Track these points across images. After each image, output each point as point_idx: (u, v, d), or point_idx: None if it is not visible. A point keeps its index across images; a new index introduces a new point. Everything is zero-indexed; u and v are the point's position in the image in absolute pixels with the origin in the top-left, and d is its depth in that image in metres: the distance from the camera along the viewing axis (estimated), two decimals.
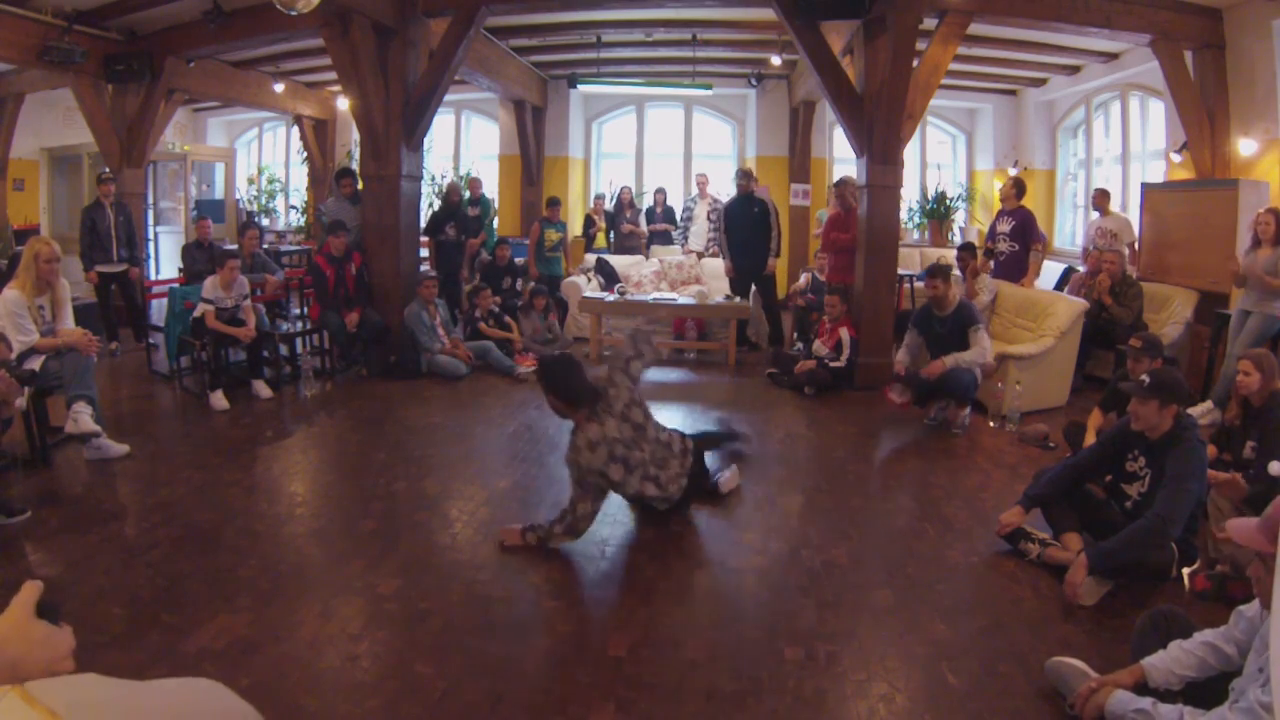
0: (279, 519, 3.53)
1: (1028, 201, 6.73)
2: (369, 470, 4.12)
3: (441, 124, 11.03)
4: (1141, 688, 2.03)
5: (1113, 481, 3.19)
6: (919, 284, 7.62)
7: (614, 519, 3.45)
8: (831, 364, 5.84)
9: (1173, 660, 2.02)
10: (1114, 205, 7.24)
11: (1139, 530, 2.80)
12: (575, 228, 10.00)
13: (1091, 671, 2.21)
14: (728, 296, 7.17)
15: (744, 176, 7.27)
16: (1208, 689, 1.94)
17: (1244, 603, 2.01)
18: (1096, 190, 7.14)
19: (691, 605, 2.83)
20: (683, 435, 3.58)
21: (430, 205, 9.17)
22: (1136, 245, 6.75)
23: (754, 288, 7.31)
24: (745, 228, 7.11)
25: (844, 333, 5.89)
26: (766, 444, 4.70)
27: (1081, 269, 6.67)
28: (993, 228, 6.74)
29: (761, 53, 9.05)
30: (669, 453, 3.41)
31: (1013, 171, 9.88)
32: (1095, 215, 7.08)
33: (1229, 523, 1.56)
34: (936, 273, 5.02)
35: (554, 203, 8.46)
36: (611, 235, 9.49)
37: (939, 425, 4.97)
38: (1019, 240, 6.45)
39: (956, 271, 6.52)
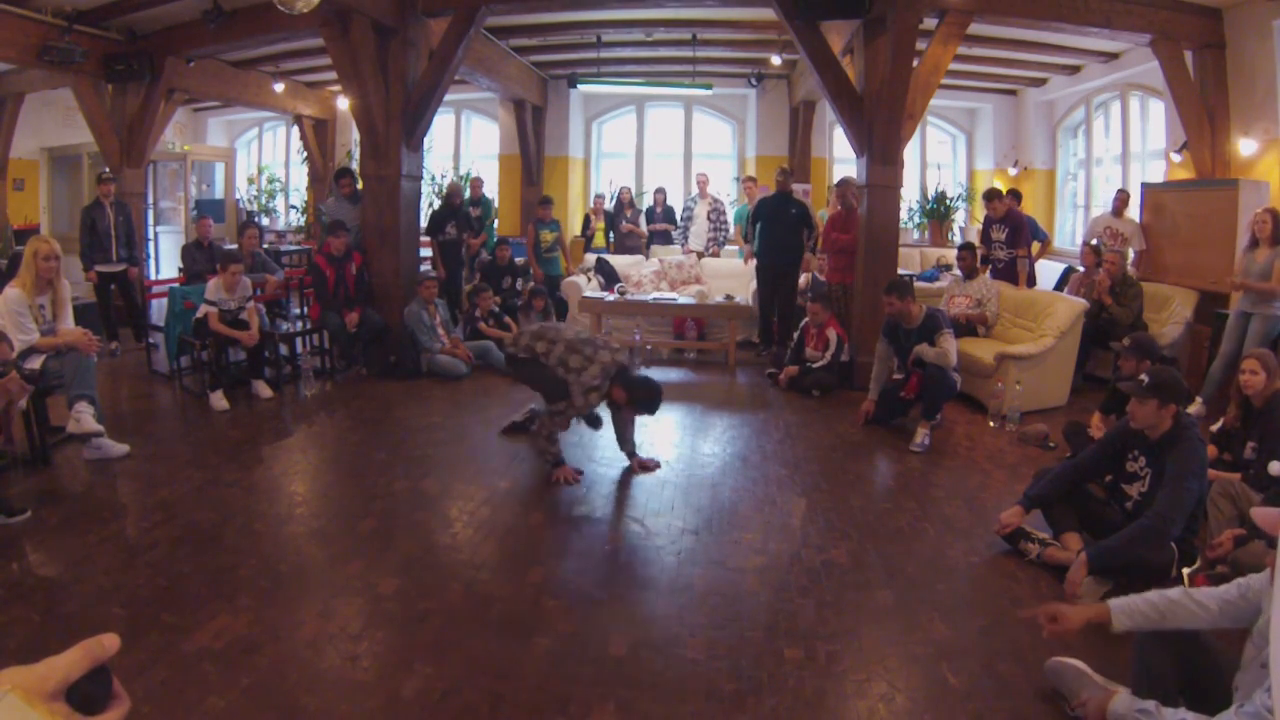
0: (279, 519, 3.53)
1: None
2: (369, 470, 4.12)
3: (441, 124, 11.03)
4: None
5: (1113, 481, 3.20)
6: (920, 284, 7.60)
7: (615, 519, 3.45)
8: (817, 365, 5.86)
9: (1139, 598, 2.03)
10: None
11: (1139, 529, 2.80)
12: (576, 228, 9.99)
13: (1091, 671, 2.21)
14: (728, 296, 7.16)
15: (783, 174, 7.16)
16: (1210, 690, 1.94)
17: None
18: (1121, 191, 7.07)
19: (691, 605, 2.83)
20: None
21: (430, 205, 9.17)
22: (1143, 248, 6.73)
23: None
24: (780, 226, 7.01)
25: (831, 333, 5.90)
26: (766, 444, 4.70)
27: (1081, 269, 6.66)
28: (987, 234, 6.73)
29: (761, 53, 9.05)
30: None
31: (1013, 172, 9.90)
32: (1107, 211, 7.04)
33: (1254, 511, 1.55)
34: (893, 289, 4.66)
35: (545, 202, 8.42)
36: (611, 235, 9.48)
37: (925, 451, 4.55)
38: (1014, 246, 6.45)
39: (957, 272, 6.54)
